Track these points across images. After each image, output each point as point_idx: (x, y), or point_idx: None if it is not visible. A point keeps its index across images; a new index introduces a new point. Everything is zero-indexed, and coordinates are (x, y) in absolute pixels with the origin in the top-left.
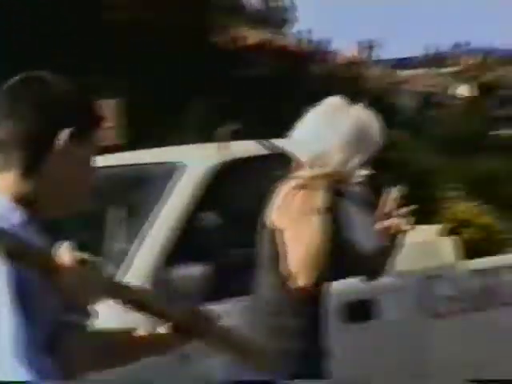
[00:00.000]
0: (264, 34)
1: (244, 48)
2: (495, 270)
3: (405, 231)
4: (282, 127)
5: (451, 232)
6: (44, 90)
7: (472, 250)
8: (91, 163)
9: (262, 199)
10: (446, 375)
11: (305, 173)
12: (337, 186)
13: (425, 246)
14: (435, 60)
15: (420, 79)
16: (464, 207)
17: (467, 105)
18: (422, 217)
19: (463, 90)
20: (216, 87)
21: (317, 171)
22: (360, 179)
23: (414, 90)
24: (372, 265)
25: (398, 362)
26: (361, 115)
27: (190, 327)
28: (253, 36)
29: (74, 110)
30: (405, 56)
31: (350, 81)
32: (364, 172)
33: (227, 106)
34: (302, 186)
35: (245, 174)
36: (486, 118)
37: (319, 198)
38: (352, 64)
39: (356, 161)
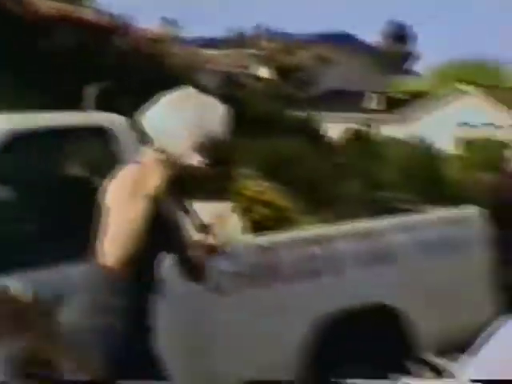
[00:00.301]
0: (61, 5)
1: (42, 19)
2: (282, 247)
3: (215, 250)
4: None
5: (242, 210)
6: None
7: (261, 228)
8: None
9: (51, 173)
10: (230, 350)
11: (145, 154)
12: (173, 173)
13: (212, 222)
14: (237, 41)
15: (222, 59)
16: (256, 186)
17: (266, 86)
18: (213, 194)
19: (263, 72)
20: (20, 60)
21: (155, 154)
22: (197, 165)
23: (217, 70)
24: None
25: (183, 337)
26: (208, 105)
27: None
28: (49, 6)
29: None
30: (209, 36)
31: (154, 57)
32: (200, 159)
33: (34, 80)
34: (139, 168)
35: (36, 146)
36: (284, 100)
37: (150, 183)
38: (156, 40)
39: (194, 147)
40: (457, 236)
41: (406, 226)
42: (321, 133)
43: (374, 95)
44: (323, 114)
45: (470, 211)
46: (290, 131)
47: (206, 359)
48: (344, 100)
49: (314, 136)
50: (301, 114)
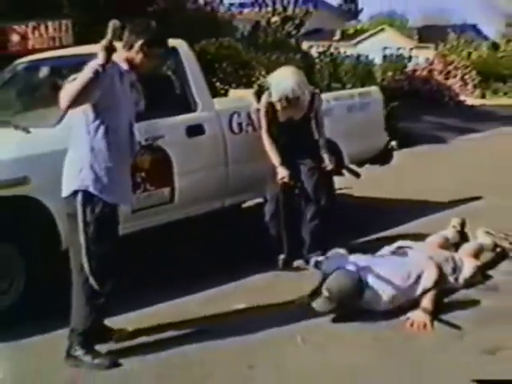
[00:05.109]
0: None
1: None
2: None
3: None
4: None
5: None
6: None
7: None
8: None
9: None
10: None
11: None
12: None
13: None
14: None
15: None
16: None
17: (277, 27)
18: (246, 87)
19: (275, 20)
20: None
21: None
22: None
23: (247, 19)
24: None
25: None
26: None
27: None
28: None
29: None
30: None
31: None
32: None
33: None
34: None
35: None
36: (287, 35)
37: None
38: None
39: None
40: (366, 101)
41: (336, 97)
42: (307, 52)
43: (337, 32)
44: (310, 42)
45: (374, 88)
46: (291, 51)
47: None
48: (320, 34)
49: (304, 53)
50: (296, 42)
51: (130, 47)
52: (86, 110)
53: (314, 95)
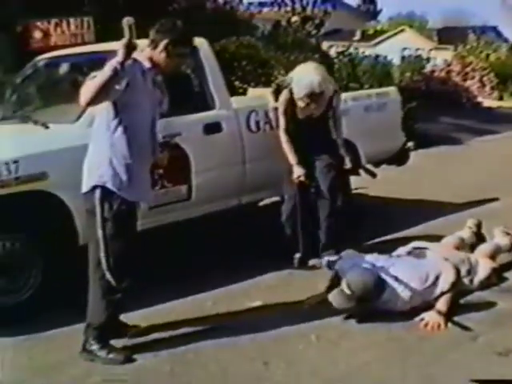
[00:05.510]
0: None
1: None
2: None
3: None
4: None
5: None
6: None
7: None
8: None
9: None
10: None
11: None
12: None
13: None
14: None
15: (272, 14)
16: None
17: (297, 27)
18: (265, 86)
19: (295, 20)
20: None
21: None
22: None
23: (267, 19)
24: None
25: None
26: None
27: None
28: None
29: None
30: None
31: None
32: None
33: None
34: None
35: None
36: (307, 35)
37: None
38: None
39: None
40: (384, 101)
41: (354, 97)
42: (326, 52)
43: (357, 32)
44: (330, 42)
45: (392, 88)
46: (310, 51)
47: None
48: (340, 34)
49: (323, 53)
50: (316, 42)
51: (156, 46)
52: (107, 106)
53: (334, 92)
